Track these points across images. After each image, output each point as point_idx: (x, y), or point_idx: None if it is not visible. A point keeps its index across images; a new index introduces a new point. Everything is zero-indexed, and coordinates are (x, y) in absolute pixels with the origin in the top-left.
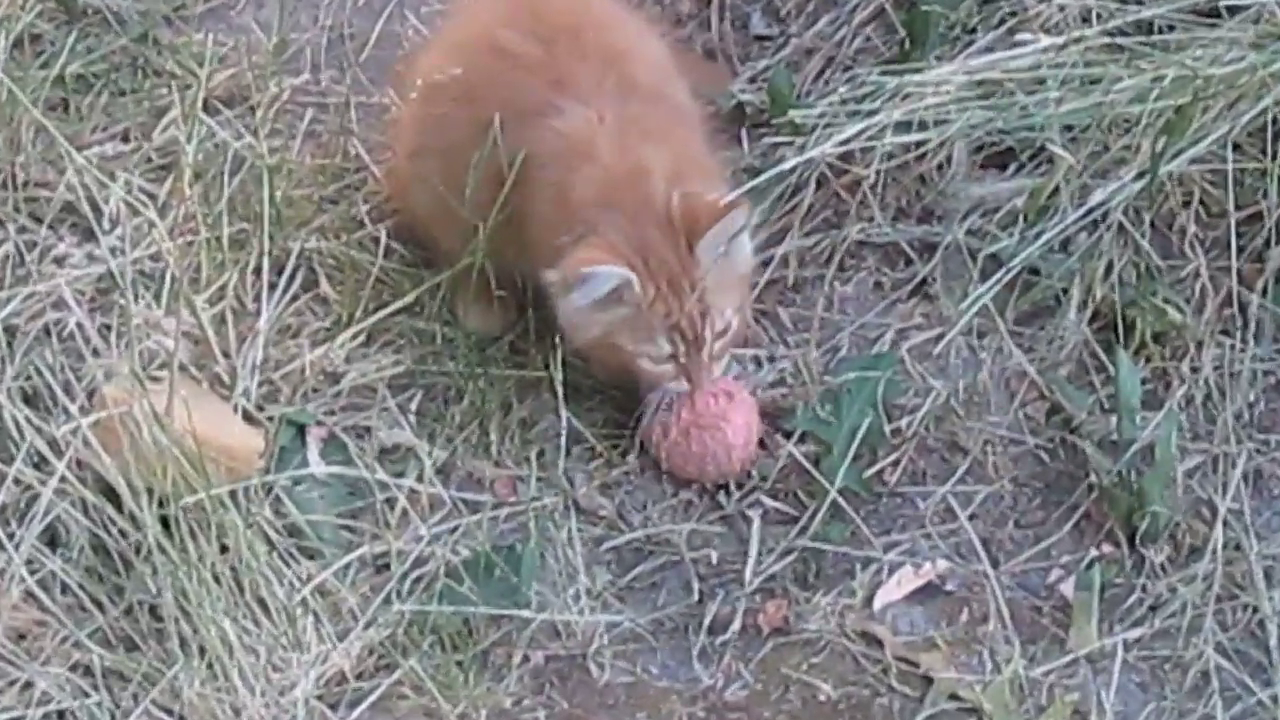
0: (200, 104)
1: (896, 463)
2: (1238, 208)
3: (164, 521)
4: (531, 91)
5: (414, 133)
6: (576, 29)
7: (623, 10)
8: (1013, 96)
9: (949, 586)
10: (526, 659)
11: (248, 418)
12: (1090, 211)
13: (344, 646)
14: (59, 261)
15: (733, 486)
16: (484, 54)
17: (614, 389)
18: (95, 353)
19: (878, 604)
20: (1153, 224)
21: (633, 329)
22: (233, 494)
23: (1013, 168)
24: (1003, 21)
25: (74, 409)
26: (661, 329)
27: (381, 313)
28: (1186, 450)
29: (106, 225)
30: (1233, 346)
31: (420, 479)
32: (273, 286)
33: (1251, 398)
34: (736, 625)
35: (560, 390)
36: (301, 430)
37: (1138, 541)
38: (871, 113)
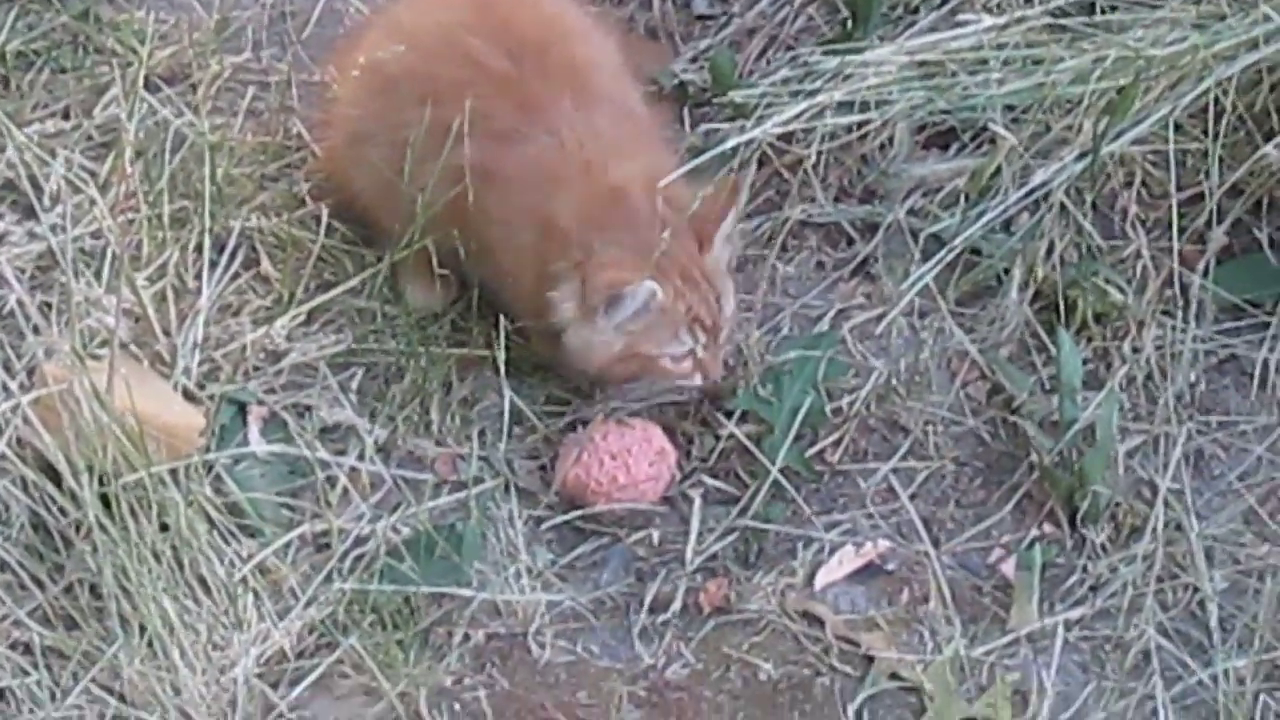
0: (141, 82)
1: (838, 442)
2: (1179, 188)
3: (104, 499)
4: (500, 111)
5: (362, 119)
6: (544, 45)
7: (583, 17)
8: (955, 77)
9: (890, 566)
10: (467, 638)
11: (188, 396)
12: (1032, 192)
13: (284, 625)
14: None
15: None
16: (449, 58)
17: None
18: (35, 330)
19: (819, 583)
20: (1094, 204)
21: (657, 333)
22: (173, 472)
23: (954, 148)
24: (945, 1)
25: (14, 386)
26: (684, 325)
27: (327, 295)
28: (1127, 430)
29: (47, 203)
30: (1173, 327)
31: (361, 457)
32: (214, 264)
33: (1192, 378)
34: (677, 605)
35: (502, 369)
36: (242, 409)
37: (1079, 522)
38: (813, 93)
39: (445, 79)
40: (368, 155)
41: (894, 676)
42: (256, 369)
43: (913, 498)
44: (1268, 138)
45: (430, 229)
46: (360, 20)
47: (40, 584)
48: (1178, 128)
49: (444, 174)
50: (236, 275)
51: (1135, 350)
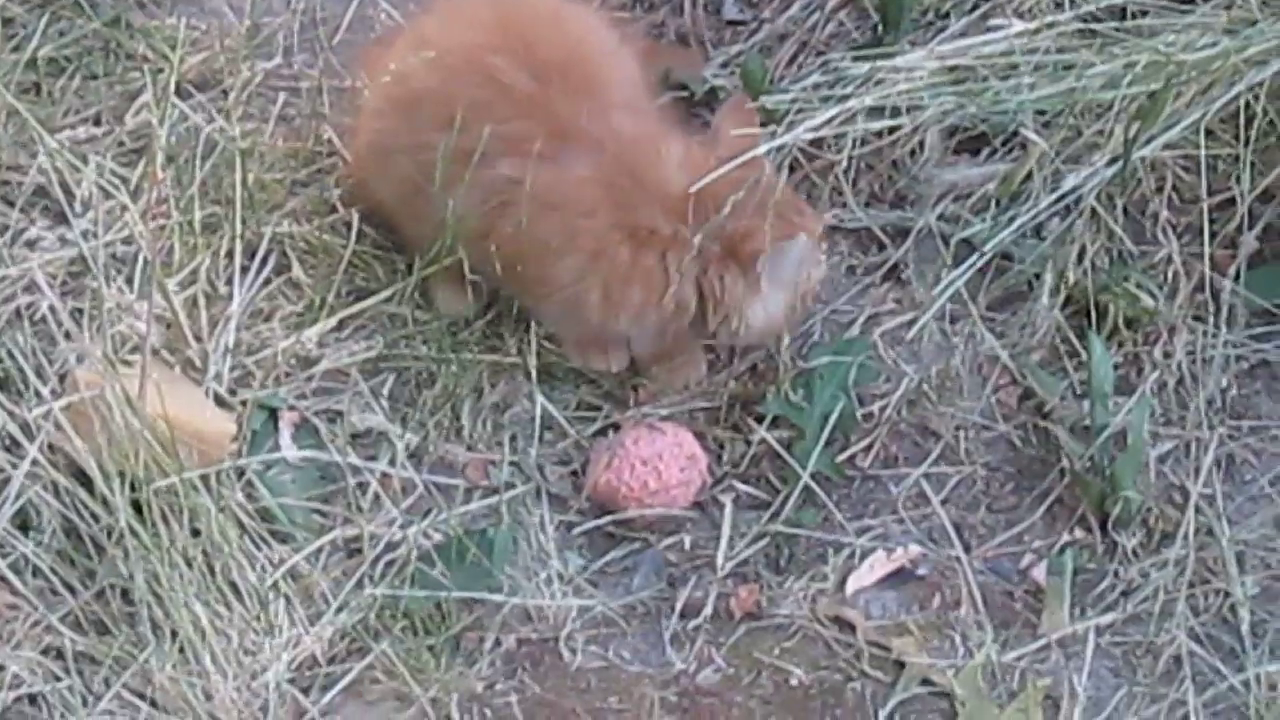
0: (172, 88)
1: (869, 447)
2: (1210, 193)
3: (136, 505)
4: (528, 132)
5: (385, 132)
6: (566, 66)
7: (600, 28)
8: (985, 82)
9: (921, 571)
10: (498, 643)
11: (220, 402)
12: (1063, 197)
13: (316, 630)
14: (31, 245)
15: None
16: (472, 79)
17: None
18: (67, 336)
19: (850, 589)
20: (1125, 209)
21: (816, 268)
22: (204, 478)
23: (985, 153)
24: (976, 6)
25: (46, 392)
26: (820, 248)
27: (361, 305)
28: (1159, 435)
29: (79, 209)
30: (1205, 332)
31: (392, 463)
32: (245, 270)
33: (1224, 383)
34: (708, 610)
35: (533, 374)
36: (273, 414)
37: (1110, 527)
38: (844, 98)
39: (468, 102)
40: (390, 167)
41: (925, 682)
42: (288, 375)
43: (944, 503)
44: None
45: (462, 246)
46: (391, 29)
47: (72, 589)
48: (1209, 133)
49: (471, 194)
50: (268, 281)
51: (1166, 355)
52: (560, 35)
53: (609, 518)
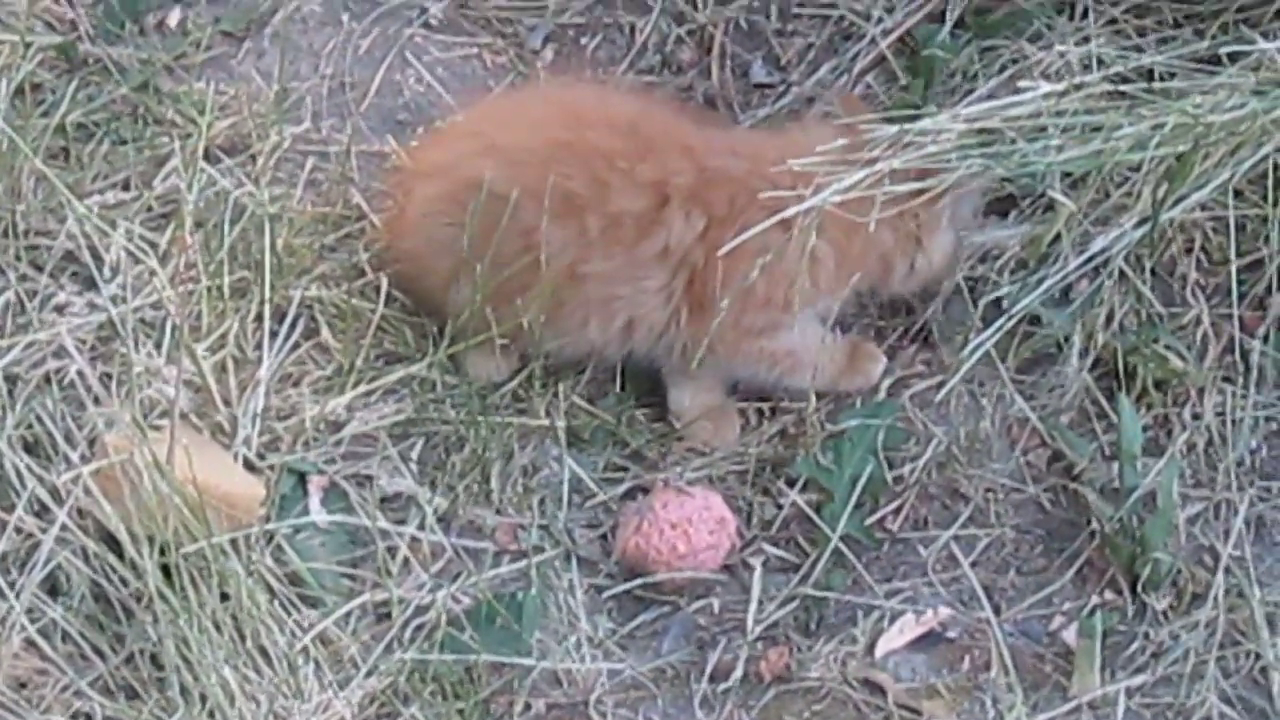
0: (201, 152)
1: (898, 510)
2: (1239, 254)
3: (165, 570)
4: (671, 167)
5: (457, 237)
6: (645, 121)
7: (639, 98)
8: (1014, 144)
9: (951, 634)
10: (528, 707)
11: (249, 466)
12: (1091, 258)
13: (345, 695)
14: (60, 310)
15: None
16: (574, 165)
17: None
18: (96, 401)
19: (880, 651)
20: (1154, 271)
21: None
22: (234, 542)
23: (1014, 215)
24: (1004, 69)
25: (75, 457)
26: None
27: (393, 375)
28: (1188, 497)
29: (107, 273)
30: (1234, 393)
31: (421, 527)
32: (274, 335)
33: (1253, 444)
34: (738, 673)
35: (562, 438)
36: (302, 478)
37: (1140, 588)
38: (872, 160)
39: (582, 182)
40: (462, 269)
41: None
42: (316, 439)
43: (973, 565)
44: None
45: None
46: (441, 126)
47: (101, 654)
48: (1237, 194)
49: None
50: (296, 345)
51: (1196, 417)
52: (620, 106)
53: (638, 581)
